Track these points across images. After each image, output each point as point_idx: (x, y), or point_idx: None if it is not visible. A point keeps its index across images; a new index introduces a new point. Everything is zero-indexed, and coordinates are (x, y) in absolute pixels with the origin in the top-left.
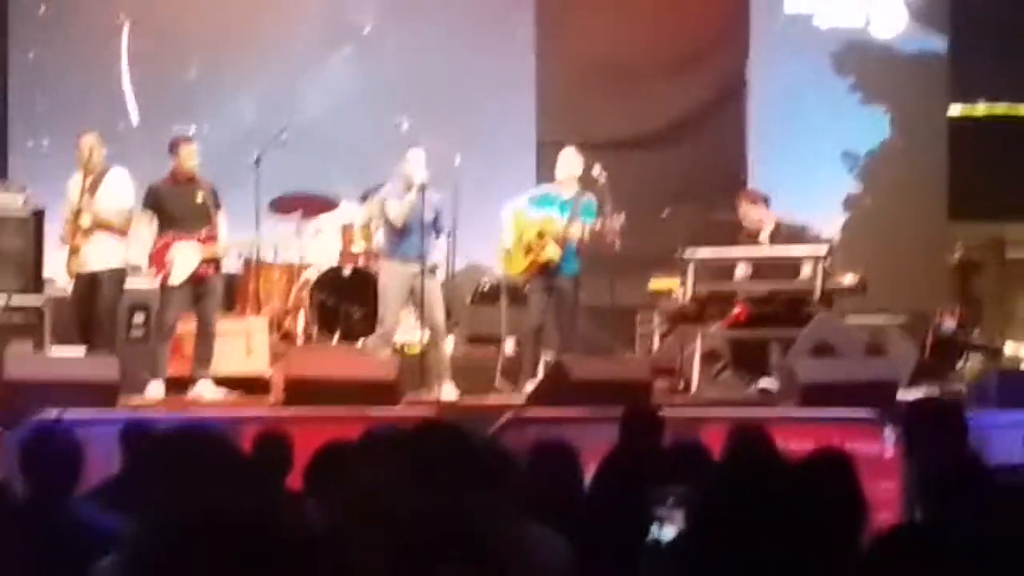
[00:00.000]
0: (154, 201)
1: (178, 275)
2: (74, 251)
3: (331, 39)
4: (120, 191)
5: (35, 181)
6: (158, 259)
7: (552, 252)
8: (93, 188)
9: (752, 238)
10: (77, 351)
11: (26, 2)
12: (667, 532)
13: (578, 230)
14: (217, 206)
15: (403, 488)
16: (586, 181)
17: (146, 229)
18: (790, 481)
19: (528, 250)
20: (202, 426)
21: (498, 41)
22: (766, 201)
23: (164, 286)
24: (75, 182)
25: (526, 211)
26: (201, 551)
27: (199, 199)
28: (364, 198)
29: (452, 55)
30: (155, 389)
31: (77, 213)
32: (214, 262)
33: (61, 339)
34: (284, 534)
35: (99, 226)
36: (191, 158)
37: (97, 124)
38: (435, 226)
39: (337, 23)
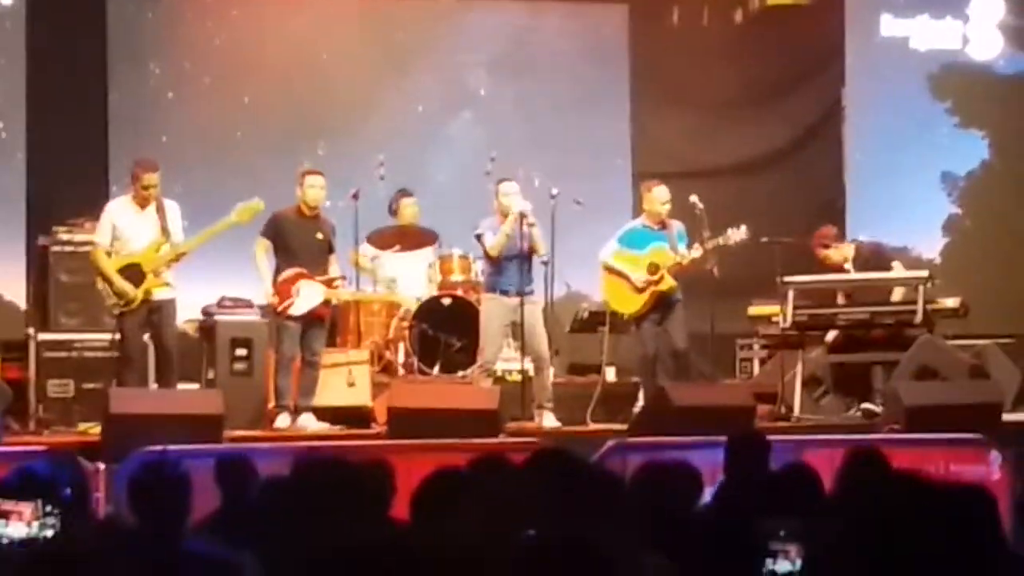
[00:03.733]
0: (275, 231)
1: (300, 307)
2: (153, 278)
3: (451, 105)
4: (179, 223)
5: None
6: (284, 289)
7: (670, 281)
8: (163, 220)
9: (839, 271)
10: (185, 385)
11: (157, 88)
12: (782, 566)
13: (692, 255)
14: (331, 249)
15: (525, 516)
16: (683, 209)
17: (264, 257)
18: (933, 517)
19: (644, 287)
20: (322, 458)
21: (597, 84)
22: (838, 237)
23: (283, 314)
24: (136, 214)
25: (625, 251)
26: None
27: (319, 236)
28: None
29: (558, 104)
30: (284, 420)
31: (160, 243)
32: (329, 304)
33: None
34: (412, 561)
35: (178, 257)
36: (314, 187)
37: (230, 202)
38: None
39: (455, 89)
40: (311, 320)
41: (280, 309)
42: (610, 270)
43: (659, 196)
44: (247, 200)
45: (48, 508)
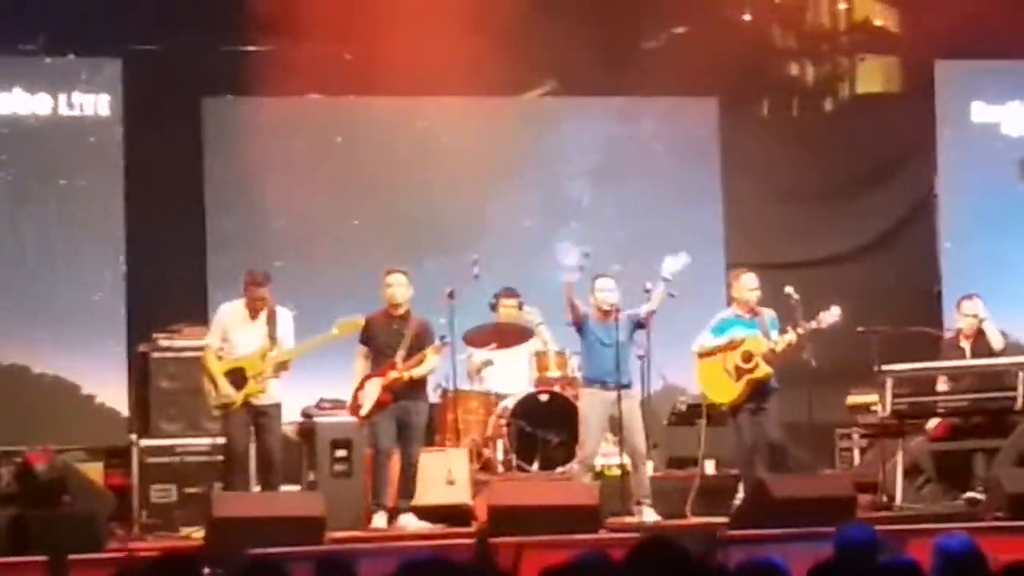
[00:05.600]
0: (366, 334)
1: (366, 406)
2: (254, 383)
3: (556, 216)
4: (290, 331)
5: None
6: (354, 401)
7: (765, 369)
8: (273, 328)
9: (956, 345)
10: (286, 487)
11: (268, 212)
12: None
13: (786, 340)
14: (427, 344)
15: None
16: (778, 300)
17: (361, 364)
18: None
19: (739, 375)
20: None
21: (689, 178)
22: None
23: (360, 417)
24: (247, 319)
25: (718, 340)
26: None
27: (403, 333)
28: None
29: (651, 202)
30: (380, 520)
31: (266, 350)
32: (391, 389)
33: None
34: None
35: (282, 365)
36: (392, 286)
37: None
38: (631, 348)
39: (559, 201)
40: (404, 422)
41: (358, 417)
42: (705, 354)
43: (747, 283)
44: (348, 316)
45: None
